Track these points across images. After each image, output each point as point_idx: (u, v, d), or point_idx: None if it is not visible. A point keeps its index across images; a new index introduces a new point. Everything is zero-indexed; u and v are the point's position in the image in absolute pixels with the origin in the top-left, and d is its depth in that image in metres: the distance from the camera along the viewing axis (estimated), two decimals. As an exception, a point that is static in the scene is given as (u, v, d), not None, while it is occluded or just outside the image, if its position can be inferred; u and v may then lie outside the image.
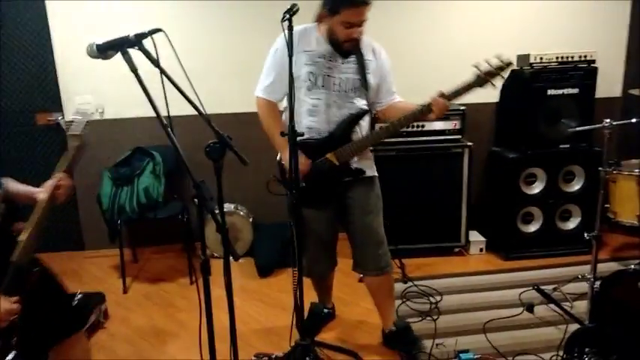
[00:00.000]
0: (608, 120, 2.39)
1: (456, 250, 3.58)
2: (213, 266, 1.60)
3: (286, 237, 2.26)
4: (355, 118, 2.23)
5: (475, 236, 3.63)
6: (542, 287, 2.95)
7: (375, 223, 2.32)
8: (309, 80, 2.18)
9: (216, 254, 3.46)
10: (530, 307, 2.76)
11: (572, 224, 3.47)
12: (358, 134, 2.27)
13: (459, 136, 3.44)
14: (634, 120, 2.38)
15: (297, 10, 1.86)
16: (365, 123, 2.32)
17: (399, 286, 3.06)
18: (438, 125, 3.41)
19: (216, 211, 1.53)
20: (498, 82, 2.06)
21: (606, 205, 3.33)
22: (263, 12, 3.43)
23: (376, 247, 2.32)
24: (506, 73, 2.06)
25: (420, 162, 3.42)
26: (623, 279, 2.00)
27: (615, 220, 3.32)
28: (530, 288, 2.99)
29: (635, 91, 3.03)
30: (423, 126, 3.41)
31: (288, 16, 1.84)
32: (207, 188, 1.49)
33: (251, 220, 3.68)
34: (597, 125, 2.43)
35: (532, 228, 3.48)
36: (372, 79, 2.24)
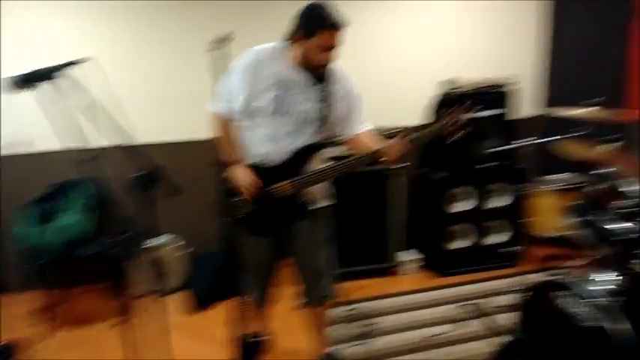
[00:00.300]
0: (524, 140, 2.54)
1: (390, 270, 3.62)
2: (144, 304, 1.51)
3: (224, 267, 2.21)
4: (315, 148, 2.15)
5: (412, 255, 3.70)
6: (475, 301, 3.05)
7: (321, 255, 2.29)
8: (273, 105, 2.07)
9: (147, 291, 3.32)
10: (464, 322, 2.84)
11: (501, 239, 3.60)
12: (316, 165, 2.17)
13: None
14: (549, 139, 2.55)
15: (233, 39, 1.83)
16: (326, 154, 2.27)
17: (335, 311, 3.05)
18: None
19: (148, 245, 1.46)
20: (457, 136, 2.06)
21: (530, 219, 3.54)
22: (200, 39, 3.37)
23: (321, 278, 2.30)
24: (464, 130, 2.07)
25: (354, 182, 3.45)
26: (545, 290, 2.08)
27: (539, 234, 3.51)
28: (464, 303, 3.08)
29: (552, 111, 3.21)
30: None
31: (216, 45, 1.80)
32: (137, 222, 1.44)
33: (186, 251, 3.57)
34: (512, 145, 2.58)
35: (463, 244, 3.59)
36: (338, 108, 2.14)
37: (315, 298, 2.32)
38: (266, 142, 2.12)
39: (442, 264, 3.57)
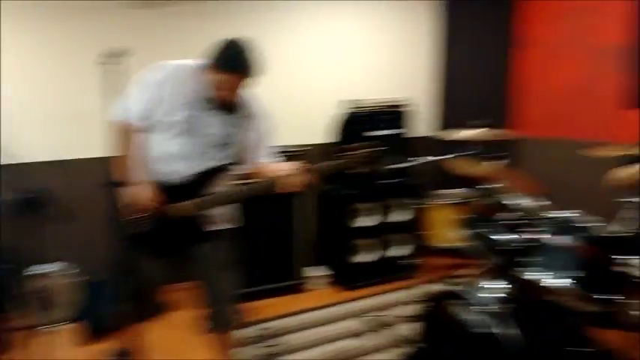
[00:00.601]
0: (421, 157, 2.70)
1: (301, 286, 3.62)
2: (29, 338, 1.36)
3: (119, 292, 2.07)
4: (221, 172, 2.11)
5: (320, 271, 3.74)
6: (380, 313, 3.15)
7: (225, 279, 2.23)
8: (185, 123, 2.01)
9: (32, 324, 3.01)
10: (368, 334, 2.91)
11: (403, 251, 3.75)
12: (220, 188, 2.13)
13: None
14: (443, 157, 2.73)
15: (130, 54, 1.74)
16: (231, 178, 2.21)
17: (241, 332, 2.99)
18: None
19: (33, 273, 1.32)
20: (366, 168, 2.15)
21: (428, 232, 3.74)
22: (92, 54, 3.17)
23: (225, 304, 2.24)
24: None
25: (259, 202, 3.37)
26: (441, 299, 2.20)
27: (437, 245, 3.72)
28: (369, 316, 3.17)
29: (445, 132, 3.43)
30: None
31: (109, 59, 1.71)
32: (21, 248, 1.29)
33: (78, 279, 3.29)
34: (411, 163, 2.73)
35: (369, 258, 3.69)
36: (247, 137, 2.13)
37: (220, 324, 2.26)
38: (172, 160, 2.06)
39: (348, 278, 3.64)
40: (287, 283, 3.59)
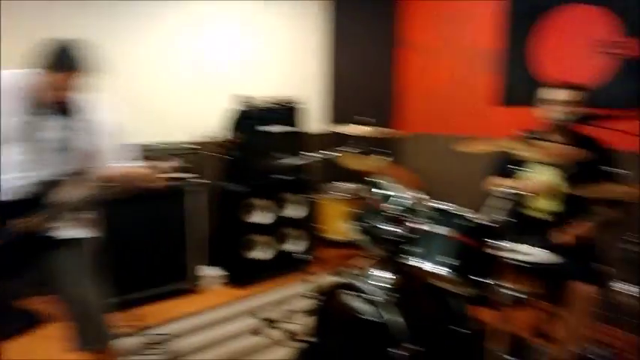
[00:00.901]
0: (304, 154, 2.75)
1: (193, 288, 3.51)
2: None
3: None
4: (65, 179, 1.95)
5: (215, 270, 3.65)
6: (275, 309, 3.16)
7: (87, 292, 2.03)
8: (16, 131, 1.86)
9: None
10: (261, 332, 2.90)
11: (297, 246, 3.80)
12: (67, 196, 1.95)
13: (187, 174, 3.43)
14: (324, 153, 2.79)
15: None
16: (76, 183, 2.03)
17: (129, 341, 2.84)
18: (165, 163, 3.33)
19: None
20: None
21: (322, 225, 3.83)
22: None
23: (92, 319, 2.04)
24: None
25: (142, 204, 3.24)
26: (334, 291, 2.25)
27: (330, 238, 3.82)
28: (264, 313, 3.16)
29: (335, 128, 3.49)
30: (145, 164, 3.28)
31: None
32: None
33: None
34: (303, 158, 2.77)
35: (265, 254, 3.69)
36: (88, 141, 1.99)
37: (90, 340, 2.05)
38: (10, 170, 1.89)
39: (244, 276, 3.60)
40: (180, 285, 3.46)
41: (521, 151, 1.80)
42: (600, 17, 2.99)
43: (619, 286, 1.42)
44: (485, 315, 1.92)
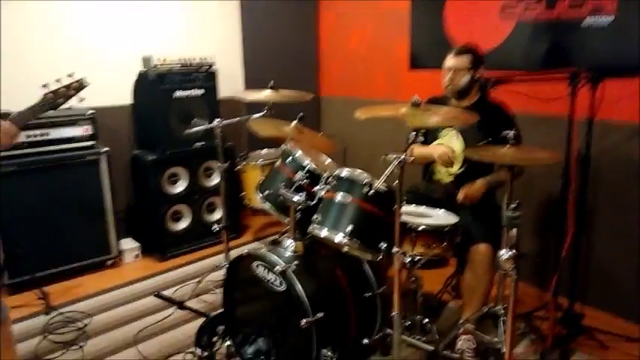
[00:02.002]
0: (218, 120, 2.63)
1: (109, 262, 3.37)
2: None
3: None
4: None
5: (129, 244, 3.52)
6: (193, 281, 3.11)
7: None
8: None
9: None
10: (181, 305, 2.84)
11: (217, 215, 3.71)
12: None
13: (93, 142, 3.23)
14: (238, 119, 2.69)
15: None
16: None
17: (40, 320, 2.73)
18: (66, 132, 3.12)
19: None
20: (73, 101, 1.97)
21: (242, 193, 3.75)
22: None
23: None
24: (79, 92, 1.97)
25: (50, 175, 3.06)
26: (242, 262, 2.22)
27: (251, 206, 3.75)
28: (182, 285, 3.10)
29: (247, 93, 3.34)
30: (47, 134, 3.06)
31: None
32: None
33: None
34: (210, 125, 2.65)
35: (182, 225, 3.58)
36: None
37: None
38: None
39: (163, 248, 3.49)
40: (101, 258, 3.33)
41: (414, 117, 1.79)
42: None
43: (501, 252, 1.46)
44: (394, 277, 1.94)
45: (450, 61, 2.48)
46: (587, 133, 2.34)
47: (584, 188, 2.40)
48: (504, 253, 1.48)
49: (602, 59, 2.60)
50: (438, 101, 2.60)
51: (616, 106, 2.50)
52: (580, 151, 2.32)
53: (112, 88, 3.49)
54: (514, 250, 1.46)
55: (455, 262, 2.68)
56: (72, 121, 3.14)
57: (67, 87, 1.93)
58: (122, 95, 3.56)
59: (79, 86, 1.96)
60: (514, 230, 1.46)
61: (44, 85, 1.89)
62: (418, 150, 2.51)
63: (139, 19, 3.57)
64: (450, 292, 2.83)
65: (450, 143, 2.55)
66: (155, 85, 3.31)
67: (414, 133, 1.82)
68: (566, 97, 2.27)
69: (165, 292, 3.03)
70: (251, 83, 4.09)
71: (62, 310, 2.82)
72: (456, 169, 2.54)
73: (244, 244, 3.79)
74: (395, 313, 1.84)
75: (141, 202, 3.59)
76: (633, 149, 2.55)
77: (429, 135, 2.64)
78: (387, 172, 1.73)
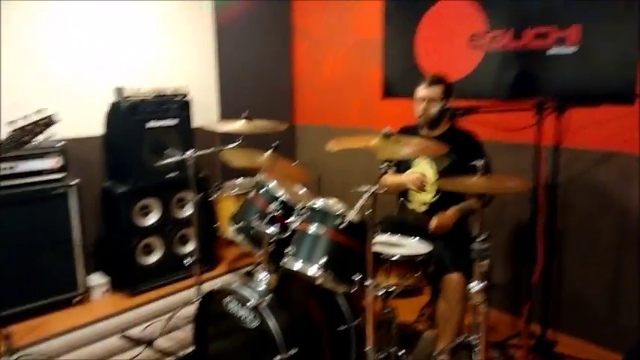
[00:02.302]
0: (190, 151, 2.61)
1: (76, 299, 3.25)
2: None
3: None
4: None
5: (98, 279, 3.40)
6: (163, 317, 3.02)
7: None
8: None
9: None
10: (150, 343, 2.75)
11: (190, 247, 3.63)
12: None
13: (62, 174, 3.15)
14: (210, 150, 2.67)
15: None
16: None
17: (-1, 363, 2.60)
18: (34, 165, 3.05)
19: None
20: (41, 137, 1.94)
21: (217, 224, 3.70)
22: None
23: None
24: (48, 128, 1.94)
25: (16, 209, 2.97)
26: (213, 297, 2.17)
27: (225, 236, 3.69)
28: (152, 322, 3.00)
29: (220, 125, 3.26)
30: (14, 167, 2.98)
31: None
32: None
33: None
34: (181, 157, 2.63)
35: (153, 258, 3.49)
36: None
37: None
38: None
39: (133, 282, 3.39)
40: (67, 295, 3.21)
41: (385, 148, 1.80)
42: (471, 10, 3.09)
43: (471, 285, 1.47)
44: (368, 308, 1.91)
45: (423, 91, 2.52)
46: (555, 160, 2.39)
47: (553, 215, 2.44)
48: (474, 286, 1.49)
49: (567, 88, 2.69)
50: (410, 130, 2.64)
51: (582, 134, 2.58)
52: (547, 179, 2.36)
53: (83, 119, 3.43)
54: (484, 282, 1.46)
55: (429, 291, 2.67)
56: (41, 153, 3.06)
57: (35, 123, 1.90)
58: (94, 126, 3.50)
59: (47, 122, 1.92)
60: (485, 262, 1.46)
61: (11, 122, 1.85)
62: (391, 179, 2.52)
63: (112, 50, 3.54)
64: (425, 321, 2.81)
65: (422, 171, 2.57)
66: (127, 116, 3.27)
67: (386, 164, 1.83)
68: (534, 126, 2.32)
69: (135, 330, 2.93)
70: (226, 113, 4.07)
71: (26, 352, 2.70)
72: (429, 197, 2.56)
73: (218, 275, 3.71)
74: (368, 347, 1.81)
75: (111, 235, 3.49)
76: (599, 175, 2.62)
77: (402, 164, 2.66)
78: (359, 204, 1.73)
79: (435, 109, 2.48)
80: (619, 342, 2.53)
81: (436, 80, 2.53)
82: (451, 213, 2.43)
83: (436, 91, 2.50)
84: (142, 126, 3.33)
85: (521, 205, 2.60)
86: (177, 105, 3.48)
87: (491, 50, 3.00)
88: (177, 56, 3.89)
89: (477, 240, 1.51)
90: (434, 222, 2.41)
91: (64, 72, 3.36)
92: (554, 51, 2.71)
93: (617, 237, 2.59)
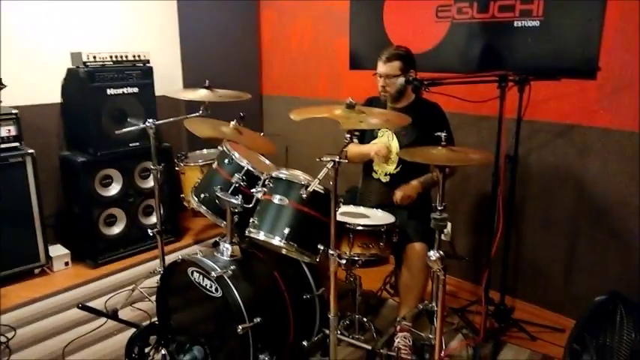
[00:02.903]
0: (151, 120, 2.54)
1: (37, 271, 3.18)
2: None
3: None
4: None
5: (59, 250, 3.33)
6: (126, 289, 2.99)
7: None
8: None
9: None
10: (114, 313, 2.72)
11: (155, 219, 3.57)
12: None
13: (17, 144, 3.03)
14: (172, 119, 2.60)
15: None
16: None
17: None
18: (-14, 133, 2.92)
19: None
20: None
21: (181, 195, 3.65)
22: None
23: None
24: None
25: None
26: (177, 268, 2.14)
27: (191, 208, 3.65)
28: (115, 293, 2.97)
29: (179, 93, 3.19)
30: (-36, 136, 2.85)
31: None
32: None
33: None
34: (141, 125, 2.55)
35: (117, 229, 3.43)
36: None
37: None
38: None
39: (95, 254, 3.33)
40: (28, 266, 3.14)
41: (348, 119, 1.79)
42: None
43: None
44: (331, 277, 1.94)
45: (382, 67, 2.50)
46: (516, 133, 2.43)
47: (513, 186, 2.49)
48: (432, 254, 1.52)
49: (530, 61, 2.71)
50: (375, 101, 2.63)
51: (543, 107, 2.63)
52: (508, 151, 2.40)
53: (38, 86, 3.29)
54: (441, 252, 1.49)
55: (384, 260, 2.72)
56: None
57: None
58: (50, 93, 3.37)
59: None
60: (446, 231, 1.49)
61: None
62: (354, 148, 2.52)
63: (69, 14, 3.37)
64: (389, 290, 2.87)
65: (387, 143, 2.58)
66: (86, 83, 3.14)
67: (349, 135, 1.83)
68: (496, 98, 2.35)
69: (98, 301, 2.89)
70: (190, 83, 3.96)
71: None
72: (392, 168, 2.57)
73: (184, 247, 3.68)
74: (331, 315, 1.83)
75: (71, 206, 3.40)
76: (558, 148, 2.68)
77: (367, 135, 2.66)
78: (321, 174, 1.72)
79: (399, 82, 2.46)
80: (573, 308, 2.65)
81: (394, 55, 2.49)
82: (414, 185, 2.46)
83: (394, 66, 2.47)
84: (101, 93, 3.21)
85: (484, 177, 2.65)
86: (139, 71, 3.36)
87: (458, 22, 2.99)
88: (139, 23, 3.75)
89: (435, 210, 1.53)
90: (398, 194, 2.44)
91: (18, 36, 3.19)
92: (518, 24, 2.73)
93: (573, 208, 2.68)
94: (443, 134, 1.87)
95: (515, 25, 2.73)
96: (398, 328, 2.34)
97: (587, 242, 2.65)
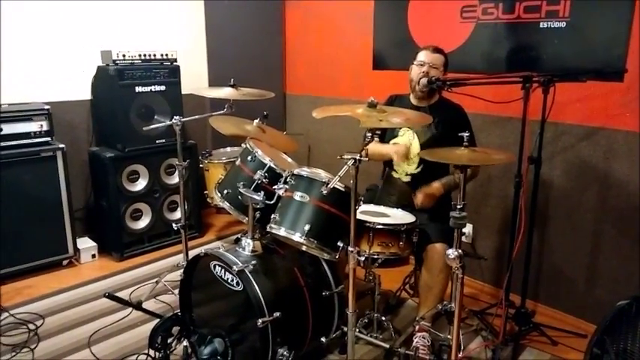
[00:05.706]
0: (177, 117, 2.60)
1: (65, 262, 3.29)
2: None
3: None
4: None
5: (86, 243, 3.43)
6: (151, 282, 3.06)
7: None
8: None
9: None
10: (139, 305, 2.78)
11: (179, 214, 3.64)
12: None
13: (48, 139, 3.14)
14: (197, 117, 2.66)
15: None
16: None
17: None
18: (20, 128, 3.02)
19: None
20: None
21: (206, 191, 3.72)
22: None
23: None
24: None
25: (3, 172, 2.95)
26: (199, 262, 2.20)
27: (214, 204, 3.72)
28: (140, 285, 3.05)
29: (204, 91, 3.22)
30: (-1, 129, 2.96)
31: None
32: None
33: None
34: (168, 123, 2.62)
35: (142, 224, 3.51)
36: None
37: None
38: None
39: (121, 247, 3.42)
40: (57, 257, 3.24)
41: (369, 118, 1.81)
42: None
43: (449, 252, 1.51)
44: (350, 274, 1.96)
45: (429, 56, 2.48)
46: (539, 135, 2.40)
47: (536, 188, 2.47)
48: (451, 253, 1.52)
49: (555, 63, 2.68)
50: (397, 99, 2.64)
51: (568, 109, 2.59)
52: (532, 153, 2.38)
53: (69, 83, 3.40)
54: (459, 250, 1.50)
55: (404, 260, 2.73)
56: (26, 116, 3.04)
57: None
58: (80, 90, 3.47)
59: None
60: (467, 232, 1.49)
61: None
62: (374, 147, 2.53)
63: (100, 14, 3.47)
64: (408, 290, 2.88)
65: (408, 143, 2.58)
66: (115, 80, 3.23)
67: (370, 133, 1.84)
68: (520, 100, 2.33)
69: (123, 293, 2.97)
70: (216, 81, 4.03)
71: (13, 312, 2.73)
72: (412, 168, 2.57)
73: (206, 242, 3.75)
74: (350, 311, 1.85)
75: (99, 200, 3.49)
76: (582, 151, 2.65)
77: (388, 134, 2.67)
78: (342, 172, 1.74)
79: (432, 74, 2.44)
80: (596, 314, 2.61)
81: (439, 50, 2.51)
82: (436, 185, 2.45)
83: (440, 58, 2.49)
84: (129, 91, 3.29)
85: (507, 179, 2.63)
86: (166, 70, 3.44)
87: (483, 23, 2.98)
88: (167, 23, 3.83)
89: (455, 209, 1.54)
90: (420, 197, 2.43)
91: (51, 35, 3.30)
92: (544, 25, 2.70)
93: (597, 212, 2.64)
94: (465, 134, 1.87)
95: (541, 26, 2.71)
96: (417, 327, 2.34)
97: (610, 247, 2.61)
